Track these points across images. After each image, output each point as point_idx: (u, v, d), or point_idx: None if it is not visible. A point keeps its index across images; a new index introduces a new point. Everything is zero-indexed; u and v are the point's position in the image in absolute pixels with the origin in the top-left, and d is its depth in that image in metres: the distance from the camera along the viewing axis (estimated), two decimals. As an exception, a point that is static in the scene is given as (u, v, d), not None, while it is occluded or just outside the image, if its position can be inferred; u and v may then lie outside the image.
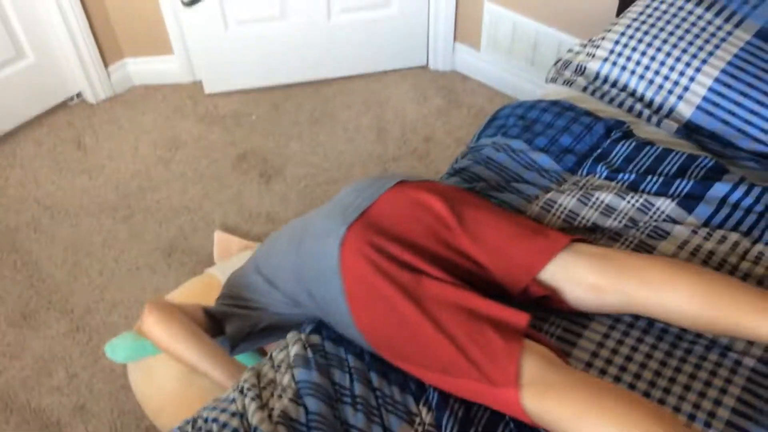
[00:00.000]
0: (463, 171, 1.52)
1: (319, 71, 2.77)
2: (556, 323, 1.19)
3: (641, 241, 1.27)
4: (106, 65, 2.71)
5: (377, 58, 2.78)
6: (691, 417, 1.04)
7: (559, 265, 1.13)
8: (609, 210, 1.35)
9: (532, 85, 2.57)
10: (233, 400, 1.15)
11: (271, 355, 1.24)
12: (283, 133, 2.57)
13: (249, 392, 1.15)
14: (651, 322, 1.16)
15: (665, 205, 1.33)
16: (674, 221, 1.31)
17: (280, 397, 1.14)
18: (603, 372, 1.11)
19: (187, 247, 2.16)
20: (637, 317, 1.17)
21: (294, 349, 1.20)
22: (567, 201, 1.36)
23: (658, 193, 1.36)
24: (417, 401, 1.11)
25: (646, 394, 1.07)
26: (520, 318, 1.05)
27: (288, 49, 2.68)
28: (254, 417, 1.09)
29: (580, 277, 1.12)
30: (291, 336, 1.25)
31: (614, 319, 1.18)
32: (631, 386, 1.09)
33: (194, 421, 1.14)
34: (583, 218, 1.34)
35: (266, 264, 1.33)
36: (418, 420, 1.09)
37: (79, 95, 2.74)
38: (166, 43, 2.71)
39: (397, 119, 2.60)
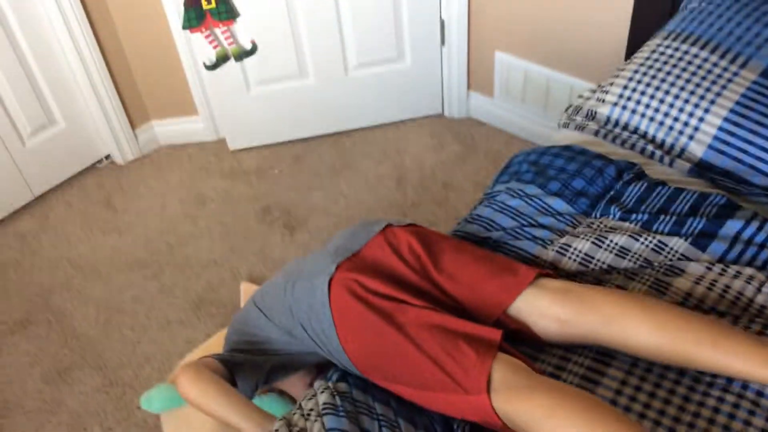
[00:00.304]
0: (480, 218, 1.56)
1: (339, 124, 2.86)
2: (579, 362, 1.21)
3: (657, 279, 1.30)
4: (133, 128, 2.82)
5: (394, 108, 2.87)
6: (718, 453, 1.05)
7: (525, 301, 1.22)
8: (623, 252, 1.38)
9: (546, 129, 2.62)
10: (266, 449, 1.18)
11: (300, 405, 1.27)
12: (306, 185, 2.64)
13: (281, 441, 1.18)
14: (668, 365, 1.18)
15: (678, 245, 1.36)
16: (689, 259, 1.34)
17: (311, 444, 1.17)
18: (628, 409, 1.12)
19: (216, 300, 2.22)
20: (653, 363, 1.19)
21: (322, 398, 1.24)
22: (582, 245, 1.40)
23: (671, 233, 1.39)
24: (444, 444, 1.14)
25: (672, 431, 1.09)
26: (493, 333, 1.14)
27: (308, 105, 2.78)
28: (287, 465, 1.12)
29: (544, 311, 1.21)
30: (318, 384, 1.29)
31: (632, 363, 1.20)
32: (656, 422, 1.10)
33: (229, 470, 1.17)
34: (598, 261, 1.37)
35: (262, 301, 1.45)
36: (446, 463, 1.12)
37: (108, 157, 2.85)
38: (190, 105, 2.83)
39: (415, 167, 2.67)
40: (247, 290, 2.14)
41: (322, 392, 1.25)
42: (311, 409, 1.24)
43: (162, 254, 2.41)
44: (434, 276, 1.27)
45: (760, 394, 1.11)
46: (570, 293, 1.21)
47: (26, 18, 2.42)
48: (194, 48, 2.58)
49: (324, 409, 1.21)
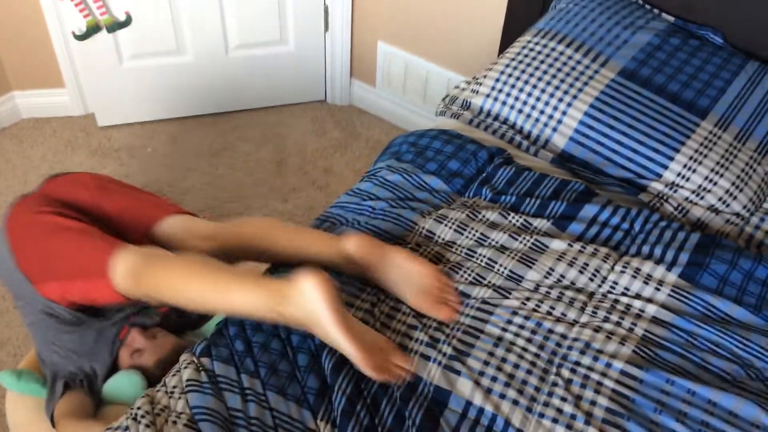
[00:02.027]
0: (361, 192, 1.58)
1: (218, 105, 2.79)
2: (447, 342, 1.24)
3: (524, 254, 1.38)
4: (-9, 98, 2.61)
5: (276, 92, 2.83)
6: (573, 417, 1.13)
7: (176, 223, 1.47)
8: (494, 225, 1.45)
9: (424, 119, 2.69)
10: (126, 428, 1.13)
11: (164, 381, 1.23)
12: (181, 165, 2.55)
13: (143, 419, 1.14)
14: (530, 339, 1.24)
15: (542, 225, 1.45)
16: (552, 237, 1.43)
17: (174, 423, 1.13)
18: (489, 390, 1.17)
19: (79, 283, 2.10)
20: (517, 335, 1.25)
21: (186, 373, 1.20)
22: (457, 215, 1.47)
23: (536, 215, 1.48)
24: (315, 416, 1.14)
25: (533, 399, 1.15)
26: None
27: (185, 83, 2.68)
28: (149, 443, 1.08)
29: (195, 232, 1.45)
30: (183, 358, 1.25)
31: (497, 338, 1.24)
32: (518, 396, 1.16)
33: (86, 450, 1.11)
34: (471, 230, 1.44)
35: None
36: (315, 436, 1.12)
37: (-40, 128, 2.62)
38: (57, 76, 2.65)
39: (296, 151, 2.65)
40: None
41: (186, 367, 1.22)
42: (175, 386, 1.20)
43: (20, 233, 2.25)
44: (98, 200, 1.47)
45: (608, 365, 1.20)
46: (213, 220, 1.48)
47: None
48: (63, 15, 2.42)
49: (188, 386, 1.18)
